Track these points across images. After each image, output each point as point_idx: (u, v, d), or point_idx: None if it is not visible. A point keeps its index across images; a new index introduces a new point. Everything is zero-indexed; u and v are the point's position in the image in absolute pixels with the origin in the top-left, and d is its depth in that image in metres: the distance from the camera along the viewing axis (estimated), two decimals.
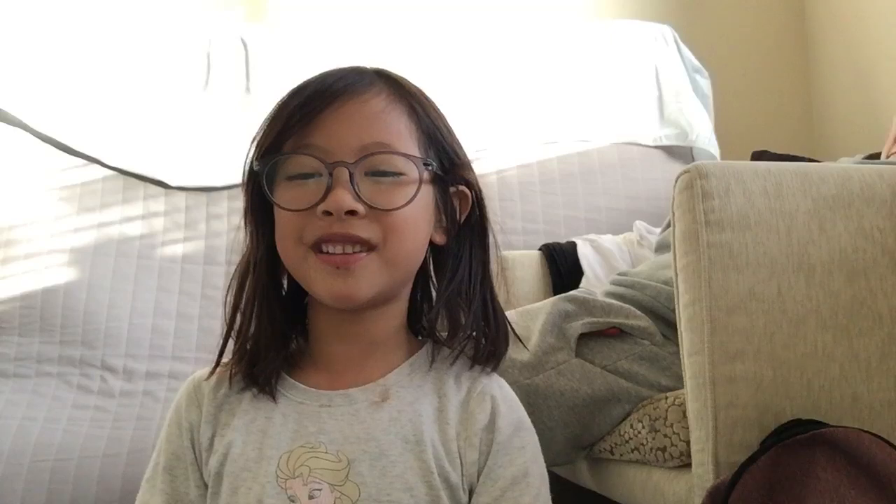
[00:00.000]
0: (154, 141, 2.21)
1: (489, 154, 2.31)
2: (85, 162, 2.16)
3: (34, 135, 2.14)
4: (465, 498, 0.80)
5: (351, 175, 0.77)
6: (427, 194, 0.82)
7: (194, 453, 0.83)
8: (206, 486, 0.82)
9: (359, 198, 0.77)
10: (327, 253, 0.79)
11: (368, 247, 0.79)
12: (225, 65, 2.30)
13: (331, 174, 0.77)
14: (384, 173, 0.79)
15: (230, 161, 2.07)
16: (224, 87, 2.28)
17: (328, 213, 0.77)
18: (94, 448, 1.76)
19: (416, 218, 0.81)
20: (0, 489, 1.66)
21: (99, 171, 2.16)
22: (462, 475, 0.80)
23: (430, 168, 0.81)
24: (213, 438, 0.82)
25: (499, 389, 0.85)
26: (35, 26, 2.22)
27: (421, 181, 0.80)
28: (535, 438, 0.85)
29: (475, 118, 2.32)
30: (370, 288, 0.80)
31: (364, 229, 0.78)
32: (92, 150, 2.16)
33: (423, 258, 0.85)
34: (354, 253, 0.79)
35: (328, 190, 0.77)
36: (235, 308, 0.85)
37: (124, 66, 2.24)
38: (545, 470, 0.85)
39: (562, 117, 2.39)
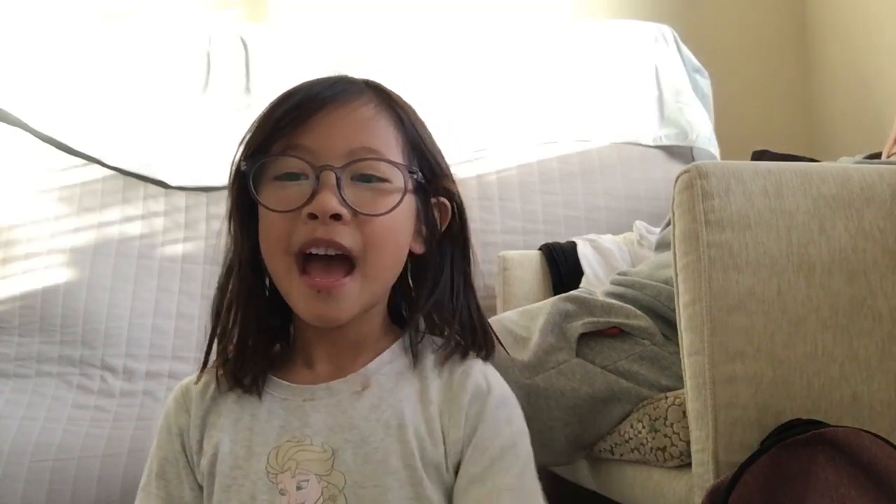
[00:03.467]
0: (154, 141, 2.20)
1: (489, 154, 2.31)
2: (85, 162, 2.16)
3: (34, 135, 2.14)
4: (448, 477, 0.81)
5: (338, 179, 0.79)
6: (409, 203, 0.84)
7: (186, 457, 0.85)
8: (200, 488, 0.84)
9: (344, 202, 0.79)
10: (311, 255, 0.80)
11: (349, 258, 0.80)
12: (225, 65, 2.30)
13: (318, 177, 0.79)
14: (370, 177, 0.81)
15: (230, 161, 2.06)
16: (224, 87, 2.28)
17: (313, 217, 0.79)
18: (94, 448, 1.76)
19: (397, 227, 0.83)
20: (0, 489, 1.66)
21: (99, 171, 2.16)
22: (445, 454, 0.81)
23: (414, 176, 0.83)
24: (202, 441, 0.84)
25: (482, 366, 0.86)
26: (35, 27, 2.22)
27: (405, 189, 0.82)
28: (521, 415, 0.86)
29: (475, 118, 2.32)
30: (351, 310, 0.82)
31: (346, 237, 0.79)
32: (92, 150, 2.16)
33: (401, 269, 0.87)
34: (337, 268, 0.80)
35: (314, 193, 0.79)
36: (219, 307, 0.86)
37: (124, 65, 2.24)
38: (531, 450, 0.85)
39: (561, 117, 2.39)
